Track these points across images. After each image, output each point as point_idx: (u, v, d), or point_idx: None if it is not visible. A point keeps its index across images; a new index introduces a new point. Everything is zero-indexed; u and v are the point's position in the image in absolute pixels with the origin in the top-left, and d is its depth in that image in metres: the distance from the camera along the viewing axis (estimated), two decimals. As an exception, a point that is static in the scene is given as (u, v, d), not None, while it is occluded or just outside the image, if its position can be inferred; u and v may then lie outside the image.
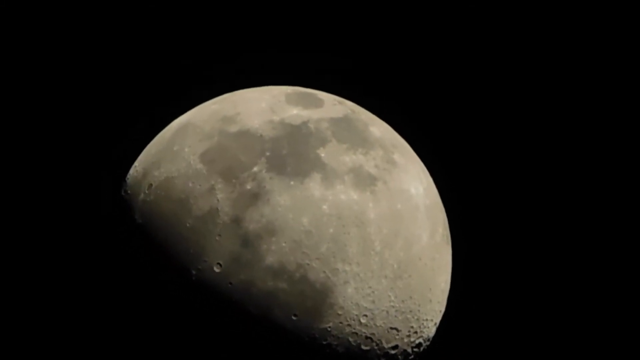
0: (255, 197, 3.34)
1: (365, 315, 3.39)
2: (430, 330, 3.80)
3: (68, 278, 4.73)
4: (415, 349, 3.71)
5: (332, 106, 3.85)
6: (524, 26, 5.19)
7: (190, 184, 3.45)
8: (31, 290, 4.80)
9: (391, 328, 3.49)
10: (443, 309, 3.93)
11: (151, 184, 3.62)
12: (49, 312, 4.72)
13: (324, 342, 3.36)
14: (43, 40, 5.15)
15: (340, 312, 3.34)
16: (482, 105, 5.15)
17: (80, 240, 4.69)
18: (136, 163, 3.95)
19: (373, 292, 3.40)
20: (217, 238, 3.32)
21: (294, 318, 3.29)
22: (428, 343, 3.84)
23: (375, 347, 3.49)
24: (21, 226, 4.90)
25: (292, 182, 3.38)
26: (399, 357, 3.64)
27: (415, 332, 3.64)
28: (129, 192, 3.78)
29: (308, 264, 3.29)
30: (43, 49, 5.15)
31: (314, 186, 3.40)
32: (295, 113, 3.69)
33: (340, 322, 3.36)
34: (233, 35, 5.30)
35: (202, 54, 5.25)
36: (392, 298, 3.46)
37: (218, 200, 3.37)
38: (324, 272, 3.30)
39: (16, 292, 4.81)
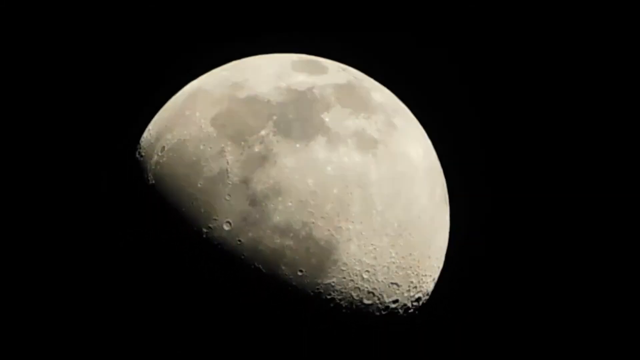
0: (263, 159, 3.39)
1: (368, 271, 3.45)
2: (429, 285, 3.86)
3: (82, 236, 4.73)
4: (414, 303, 3.76)
5: (336, 73, 3.87)
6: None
7: (201, 147, 3.49)
8: (48, 251, 4.79)
9: (392, 283, 3.55)
10: (441, 265, 3.98)
11: (164, 147, 3.64)
12: (68, 272, 4.72)
13: (328, 297, 3.42)
14: (59, 26, 5.05)
15: (343, 268, 3.40)
16: (481, 73, 5.09)
17: (96, 201, 4.62)
18: (149, 127, 3.96)
19: (375, 249, 3.45)
20: (226, 198, 3.36)
21: (299, 274, 3.35)
22: (427, 297, 3.90)
23: (377, 301, 3.55)
24: (39, 189, 4.87)
25: (297, 145, 3.42)
26: (400, 310, 3.69)
27: (415, 287, 3.70)
28: (142, 154, 3.80)
29: (313, 223, 3.34)
30: (59, 34, 5.06)
31: (319, 149, 3.44)
32: (301, 79, 3.72)
33: (344, 278, 3.41)
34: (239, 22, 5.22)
35: (210, 41, 5.13)
36: (393, 255, 3.51)
37: (228, 162, 3.41)
38: (328, 230, 3.35)
39: (32, 257, 4.79)
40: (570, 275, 4.97)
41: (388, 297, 3.58)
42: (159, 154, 3.65)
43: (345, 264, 3.39)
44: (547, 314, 4.84)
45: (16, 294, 4.76)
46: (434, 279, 3.90)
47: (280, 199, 3.33)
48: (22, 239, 4.88)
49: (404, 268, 3.58)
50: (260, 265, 3.34)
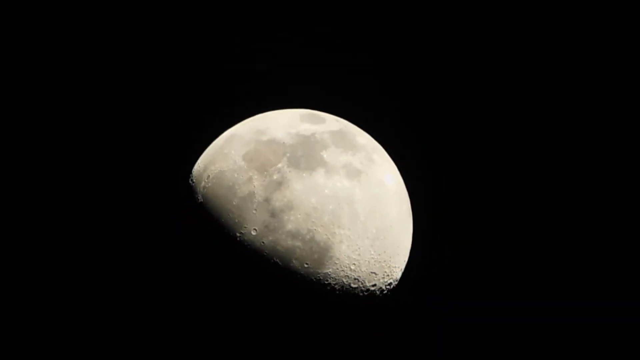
0: (280, 184, 3.79)
1: (354, 264, 3.84)
2: (398, 274, 4.20)
3: (152, 240, 5.07)
4: (387, 286, 4.12)
5: (332, 123, 4.26)
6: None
7: (235, 175, 3.88)
8: (126, 242, 5.15)
9: (371, 272, 3.94)
10: (406, 259, 4.29)
11: (209, 175, 4.01)
12: (143, 255, 5.09)
13: (326, 282, 3.82)
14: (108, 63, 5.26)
15: (337, 262, 3.79)
16: (435, 119, 5.42)
17: (163, 214, 5.00)
18: (199, 161, 4.31)
19: (359, 248, 3.83)
20: (253, 212, 3.75)
21: (306, 266, 3.75)
22: (396, 282, 4.21)
23: (361, 285, 3.92)
24: (123, 204, 5.24)
25: (304, 174, 3.82)
26: (377, 292, 4.04)
27: (388, 275, 4.07)
28: (193, 181, 4.15)
29: (315, 229, 3.74)
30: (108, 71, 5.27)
31: (319, 177, 3.83)
32: (306, 127, 4.11)
33: (337, 269, 3.80)
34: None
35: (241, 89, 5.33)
36: (372, 252, 3.90)
37: (254, 186, 3.81)
38: (326, 234, 3.75)
39: (114, 246, 5.13)
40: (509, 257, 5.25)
41: (369, 282, 3.95)
42: (206, 180, 4.01)
43: (338, 258, 3.79)
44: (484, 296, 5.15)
45: (70, 294, 5.03)
46: (401, 270, 4.22)
47: (292, 212, 3.75)
48: (91, 241, 5.17)
49: (380, 262, 3.96)
50: (277, 260, 3.74)
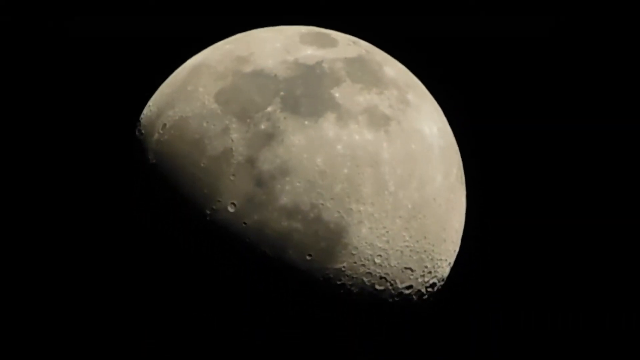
0: (270, 137, 3.35)
1: (380, 255, 3.42)
2: (445, 270, 3.85)
3: (80, 220, 4.73)
4: (429, 289, 3.74)
5: (346, 46, 3.82)
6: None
7: (205, 124, 3.46)
8: (45, 236, 4.80)
9: (405, 268, 3.52)
10: (457, 249, 3.95)
11: (165, 124, 3.61)
12: (65, 258, 4.74)
13: (338, 282, 3.39)
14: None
15: (354, 252, 3.36)
16: (499, 51, 5.05)
17: (96, 181, 4.66)
18: (150, 103, 3.94)
19: (387, 232, 3.41)
20: (231, 178, 3.33)
21: (308, 258, 3.32)
22: (442, 283, 3.88)
23: (390, 287, 3.52)
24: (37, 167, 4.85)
25: (306, 122, 3.39)
26: (413, 296, 3.67)
27: (430, 272, 3.68)
28: (142, 132, 3.78)
29: (322, 204, 3.30)
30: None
31: (328, 126, 3.40)
32: (309, 53, 3.68)
33: (355, 262, 3.38)
34: None
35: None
36: (407, 238, 3.48)
37: (232, 140, 3.38)
38: (338, 212, 3.31)
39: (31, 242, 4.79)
40: (588, 261, 4.89)
41: (401, 282, 3.54)
42: (160, 131, 3.61)
43: (356, 247, 3.36)
44: (569, 306, 4.78)
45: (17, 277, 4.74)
46: (449, 264, 3.88)
47: (287, 179, 3.30)
48: (19, 223, 4.84)
49: (417, 252, 3.55)
50: (266, 249, 3.30)
